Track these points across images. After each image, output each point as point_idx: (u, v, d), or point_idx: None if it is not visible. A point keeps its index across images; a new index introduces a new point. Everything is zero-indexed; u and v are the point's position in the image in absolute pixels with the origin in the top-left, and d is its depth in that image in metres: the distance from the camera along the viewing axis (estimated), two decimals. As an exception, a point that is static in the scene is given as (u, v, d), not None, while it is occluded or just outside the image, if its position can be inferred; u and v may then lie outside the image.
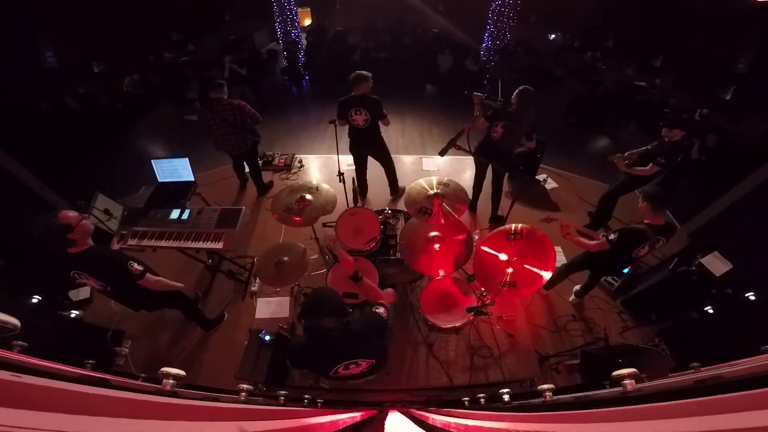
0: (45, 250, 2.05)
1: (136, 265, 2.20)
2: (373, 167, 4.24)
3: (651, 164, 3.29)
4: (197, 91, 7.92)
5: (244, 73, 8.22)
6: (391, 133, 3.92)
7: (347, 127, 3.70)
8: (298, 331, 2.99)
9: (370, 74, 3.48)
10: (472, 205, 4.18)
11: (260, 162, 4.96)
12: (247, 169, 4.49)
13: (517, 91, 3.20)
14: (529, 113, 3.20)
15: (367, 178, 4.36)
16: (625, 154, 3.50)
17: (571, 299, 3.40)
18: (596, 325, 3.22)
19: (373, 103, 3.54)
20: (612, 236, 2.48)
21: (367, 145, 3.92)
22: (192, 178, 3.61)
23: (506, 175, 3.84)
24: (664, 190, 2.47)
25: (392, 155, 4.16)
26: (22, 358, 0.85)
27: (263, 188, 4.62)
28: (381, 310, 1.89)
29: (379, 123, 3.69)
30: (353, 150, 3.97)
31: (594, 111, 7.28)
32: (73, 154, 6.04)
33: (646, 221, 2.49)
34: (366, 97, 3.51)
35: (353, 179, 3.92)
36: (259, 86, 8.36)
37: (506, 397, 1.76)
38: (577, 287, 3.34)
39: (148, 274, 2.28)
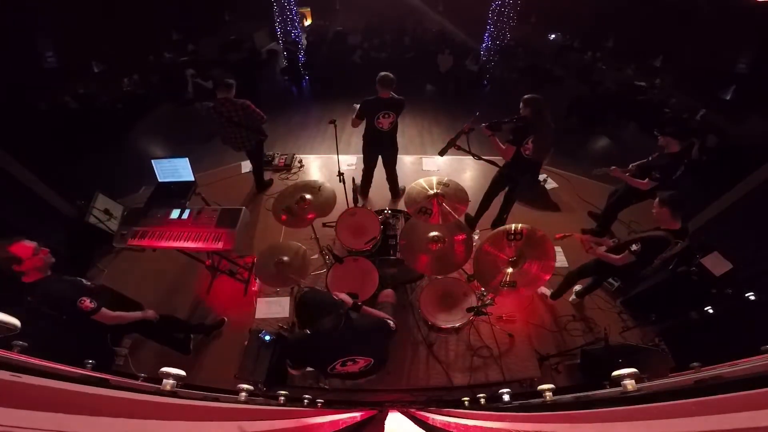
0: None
1: (87, 302, 2.07)
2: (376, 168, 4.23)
3: (647, 179, 3.20)
4: (193, 93, 7.88)
5: (210, 86, 7.71)
6: (390, 133, 3.89)
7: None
8: (297, 330, 2.99)
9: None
10: (473, 223, 3.93)
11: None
12: (247, 169, 4.52)
13: (524, 101, 3.00)
14: (549, 120, 3.01)
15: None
16: (613, 168, 3.44)
17: (571, 299, 3.39)
18: (596, 325, 3.22)
19: (399, 104, 3.50)
20: (635, 247, 2.45)
21: (385, 147, 3.87)
22: (192, 178, 3.61)
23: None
24: (680, 194, 2.43)
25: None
26: (22, 358, 0.85)
27: (263, 186, 4.65)
28: (391, 323, 1.95)
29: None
30: (369, 151, 3.91)
31: (594, 111, 7.28)
32: (73, 155, 6.04)
33: (663, 227, 2.45)
34: (393, 99, 3.46)
35: (353, 179, 3.92)
36: (256, 90, 8.26)
37: (506, 397, 1.76)
38: (578, 287, 3.34)
39: (104, 310, 2.16)
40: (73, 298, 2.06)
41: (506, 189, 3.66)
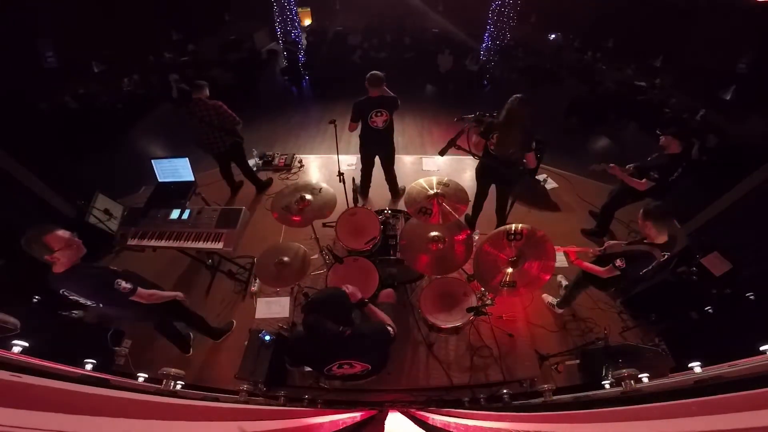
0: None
1: (124, 283, 2.08)
2: (375, 167, 4.23)
3: (645, 179, 3.17)
4: (178, 98, 7.82)
5: None
6: (390, 133, 3.88)
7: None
8: (298, 328, 2.99)
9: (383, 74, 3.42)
10: (471, 223, 3.91)
11: (260, 162, 5.01)
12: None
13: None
14: (518, 120, 2.93)
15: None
16: (611, 165, 3.39)
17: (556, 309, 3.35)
18: (596, 325, 3.22)
19: (392, 102, 3.51)
20: (619, 263, 2.41)
21: (382, 146, 3.86)
22: (192, 178, 3.61)
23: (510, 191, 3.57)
24: (665, 206, 2.37)
25: (392, 156, 4.13)
26: (22, 358, 0.85)
27: (261, 186, 4.64)
28: (390, 329, 1.94)
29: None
30: (365, 151, 3.91)
31: (594, 111, 7.28)
32: (73, 155, 6.04)
33: (647, 241, 2.41)
34: (384, 97, 3.47)
35: (353, 179, 3.91)
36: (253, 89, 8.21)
37: (506, 397, 1.76)
38: (558, 299, 3.32)
39: (140, 289, 2.17)
40: (109, 283, 2.06)
41: (496, 186, 3.63)
